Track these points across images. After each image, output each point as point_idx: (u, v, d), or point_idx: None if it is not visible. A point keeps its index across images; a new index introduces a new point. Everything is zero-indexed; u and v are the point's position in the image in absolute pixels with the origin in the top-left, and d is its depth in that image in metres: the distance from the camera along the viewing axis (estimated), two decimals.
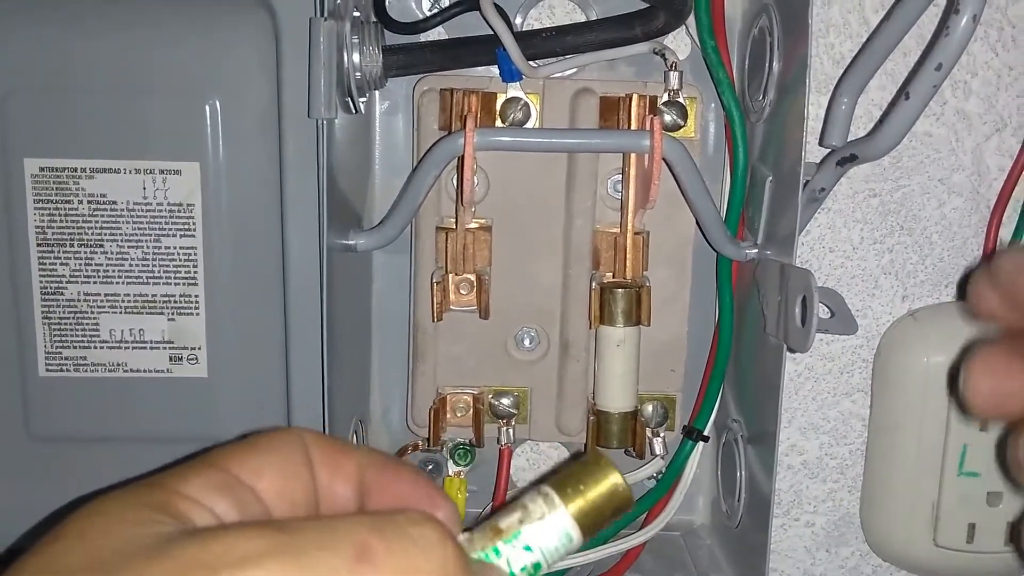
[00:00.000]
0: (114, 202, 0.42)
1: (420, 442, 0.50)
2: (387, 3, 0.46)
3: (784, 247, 0.42)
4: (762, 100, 0.44)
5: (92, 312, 0.43)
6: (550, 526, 0.23)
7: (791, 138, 0.41)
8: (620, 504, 0.24)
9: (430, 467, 0.53)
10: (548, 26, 0.48)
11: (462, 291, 0.48)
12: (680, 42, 0.49)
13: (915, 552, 0.51)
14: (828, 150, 0.45)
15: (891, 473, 0.51)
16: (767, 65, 0.44)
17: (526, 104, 0.47)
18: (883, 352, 0.51)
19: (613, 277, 0.48)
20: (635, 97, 0.45)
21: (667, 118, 0.47)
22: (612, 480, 0.24)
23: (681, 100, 0.47)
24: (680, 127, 0.47)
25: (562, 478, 0.24)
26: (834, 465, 0.54)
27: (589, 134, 0.46)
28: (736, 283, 0.48)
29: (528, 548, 0.23)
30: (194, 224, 0.43)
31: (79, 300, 0.43)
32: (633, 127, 0.45)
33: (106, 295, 0.43)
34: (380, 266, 0.50)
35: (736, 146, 0.46)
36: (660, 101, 0.47)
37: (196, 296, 0.43)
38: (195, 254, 0.43)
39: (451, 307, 0.48)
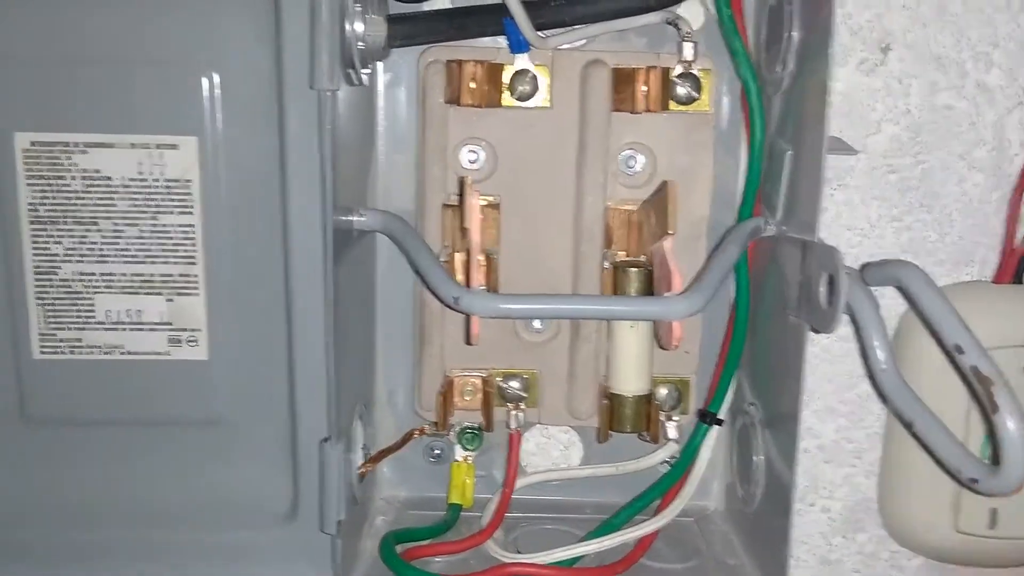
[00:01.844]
0: (109, 178, 0.41)
1: (426, 426, 0.49)
2: None
3: (806, 224, 0.40)
4: (780, 71, 0.43)
5: (87, 292, 0.42)
6: None
7: (813, 110, 0.40)
8: None
9: (437, 452, 0.52)
10: None
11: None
12: (693, 12, 0.47)
13: (935, 538, 0.50)
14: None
15: (911, 457, 0.50)
16: (785, 35, 0.42)
17: (534, 76, 0.45)
18: (902, 333, 0.50)
19: (626, 256, 0.47)
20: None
21: (680, 91, 0.45)
22: None
23: (695, 72, 0.45)
24: (695, 100, 0.46)
25: None
26: (851, 449, 0.52)
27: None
28: (752, 262, 0.46)
29: None
30: (192, 201, 0.41)
31: (74, 280, 0.42)
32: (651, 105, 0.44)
33: (102, 275, 0.42)
34: (384, 244, 0.49)
35: (753, 119, 0.44)
36: (674, 73, 0.45)
37: (195, 276, 0.42)
38: (194, 232, 0.42)
39: None
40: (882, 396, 0.48)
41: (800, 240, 0.41)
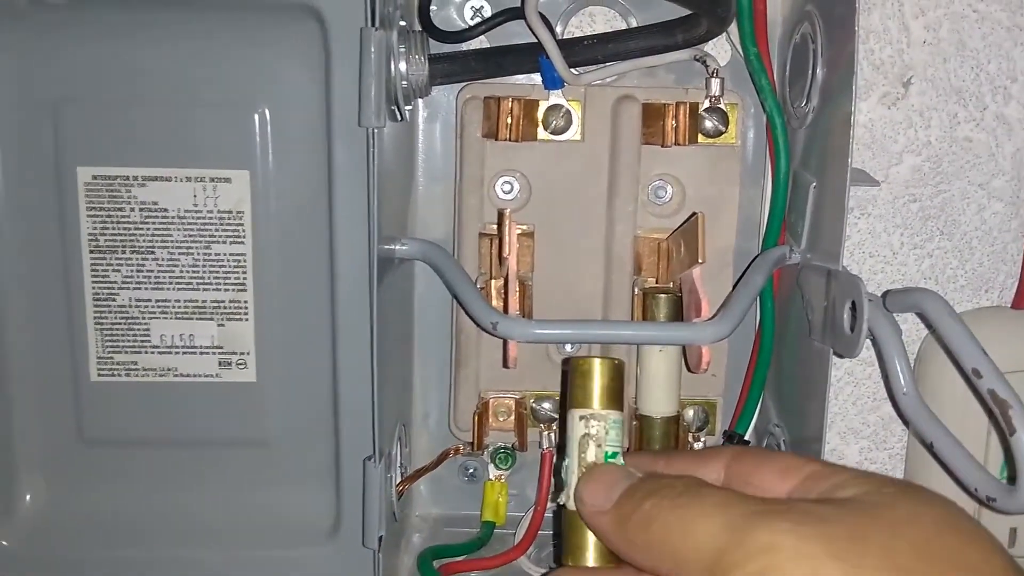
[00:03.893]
0: (165, 209, 0.43)
1: (461, 446, 0.51)
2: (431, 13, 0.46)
3: (830, 253, 0.42)
4: (804, 106, 0.44)
5: (143, 318, 0.44)
6: (613, 431, 0.34)
7: (837, 144, 0.41)
8: (616, 372, 0.35)
9: (471, 471, 0.53)
10: (589, 34, 0.48)
11: None
12: (719, 48, 0.49)
13: None
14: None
15: (932, 477, 0.51)
16: (810, 71, 0.44)
17: (568, 111, 0.47)
18: (924, 357, 0.51)
19: (655, 282, 0.48)
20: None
21: (708, 124, 0.47)
22: (598, 368, 0.34)
23: (722, 106, 0.47)
24: (721, 133, 0.47)
25: (577, 396, 0.34)
26: (874, 470, 0.54)
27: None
28: (778, 288, 0.48)
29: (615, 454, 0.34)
30: (244, 231, 0.43)
31: (130, 306, 0.44)
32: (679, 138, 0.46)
33: (157, 301, 0.44)
34: (422, 271, 0.51)
35: (778, 151, 0.46)
36: (701, 107, 0.47)
37: (245, 302, 0.44)
38: (244, 260, 0.44)
39: None
40: (904, 418, 0.50)
41: (824, 268, 0.43)
